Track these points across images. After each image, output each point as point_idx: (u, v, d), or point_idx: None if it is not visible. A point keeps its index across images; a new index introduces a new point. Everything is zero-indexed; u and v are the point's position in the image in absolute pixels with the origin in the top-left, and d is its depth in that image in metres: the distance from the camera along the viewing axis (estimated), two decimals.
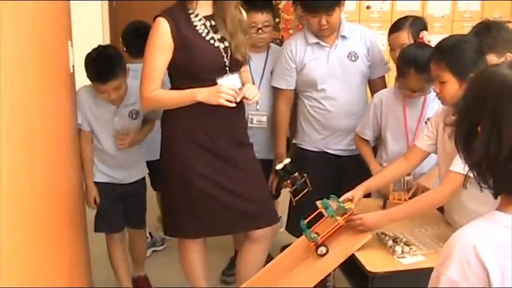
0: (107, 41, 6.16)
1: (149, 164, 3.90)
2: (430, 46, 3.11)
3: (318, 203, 2.93)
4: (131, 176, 3.70)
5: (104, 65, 3.36)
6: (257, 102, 3.39)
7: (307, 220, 2.90)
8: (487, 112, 1.44)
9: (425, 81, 3.07)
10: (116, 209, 3.68)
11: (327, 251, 2.77)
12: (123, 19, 5.08)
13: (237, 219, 3.28)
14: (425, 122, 3.15)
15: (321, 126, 3.56)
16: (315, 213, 2.92)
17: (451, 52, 2.70)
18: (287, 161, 3.46)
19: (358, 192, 2.93)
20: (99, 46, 3.48)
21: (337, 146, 3.60)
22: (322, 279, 3.41)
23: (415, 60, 3.07)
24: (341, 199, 2.90)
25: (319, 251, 2.78)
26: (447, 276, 1.41)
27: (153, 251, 4.49)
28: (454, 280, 1.40)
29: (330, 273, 3.77)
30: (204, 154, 3.18)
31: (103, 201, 3.57)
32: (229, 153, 3.21)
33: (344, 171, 3.58)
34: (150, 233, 4.50)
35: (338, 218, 2.79)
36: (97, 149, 3.57)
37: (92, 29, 5.82)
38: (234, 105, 2.99)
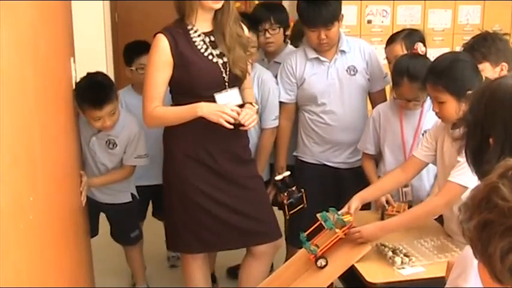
0: (110, 57, 6.20)
1: (153, 188, 3.86)
2: (424, 56, 3.16)
3: (318, 215, 2.96)
4: (115, 199, 3.71)
5: (98, 91, 3.31)
6: None
7: (306, 233, 2.93)
8: (499, 124, 1.45)
9: (419, 90, 3.10)
10: (93, 215, 3.66)
11: (327, 263, 2.80)
12: (125, 36, 5.13)
13: (238, 235, 3.31)
14: (423, 134, 3.18)
15: (320, 139, 3.59)
16: (315, 225, 2.94)
17: (446, 74, 2.70)
18: (287, 173, 3.51)
19: (354, 202, 2.96)
20: (88, 74, 3.41)
21: (337, 159, 3.62)
22: None
23: (407, 69, 3.11)
24: (340, 212, 2.92)
25: (318, 263, 2.80)
26: None
27: (172, 265, 4.43)
28: None
29: (331, 285, 3.81)
30: (204, 171, 3.21)
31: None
32: (229, 170, 3.24)
33: (344, 184, 3.60)
34: None
35: (337, 230, 2.82)
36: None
37: (94, 45, 5.86)
38: (231, 127, 3.01)
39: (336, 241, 2.81)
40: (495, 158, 1.43)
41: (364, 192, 3.04)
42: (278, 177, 3.50)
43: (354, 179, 3.56)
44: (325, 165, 3.64)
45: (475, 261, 1.38)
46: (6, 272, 1.22)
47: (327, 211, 2.96)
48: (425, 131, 3.17)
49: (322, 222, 2.91)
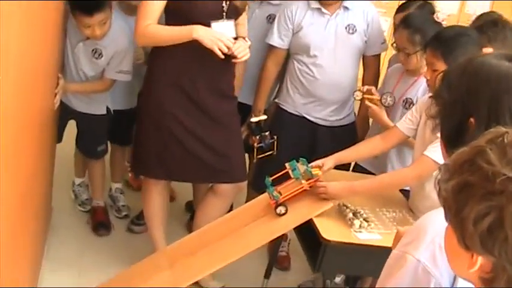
0: None
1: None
2: (437, 22, 3.16)
3: (287, 164, 2.92)
4: (90, 109, 3.62)
5: None
6: None
7: (272, 178, 2.90)
8: (482, 104, 1.40)
9: (410, 42, 3.10)
10: (62, 121, 3.62)
11: (286, 212, 2.77)
12: None
13: (203, 169, 3.27)
14: (406, 105, 3.18)
15: (305, 91, 3.53)
16: (282, 172, 2.91)
17: (448, 43, 2.67)
18: (263, 117, 3.47)
19: (329, 161, 2.93)
20: None
21: (317, 115, 3.56)
22: (274, 242, 3.46)
23: (407, 16, 3.18)
24: (310, 164, 2.90)
25: (278, 210, 2.78)
26: (415, 257, 1.36)
27: None
28: (422, 262, 1.36)
29: (286, 239, 3.80)
30: (183, 99, 3.15)
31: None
32: (209, 103, 3.18)
33: (319, 140, 3.55)
34: None
35: (303, 181, 2.79)
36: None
37: None
38: (222, 56, 2.95)
39: (299, 192, 2.79)
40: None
41: (341, 154, 3.02)
42: (254, 119, 3.46)
43: (330, 137, 3.52)
44: (304, 117, 3.58)
45: (429, 233, 1.37)
46: None
47: (297, 161, 2.93)
48: (408, 99, 3.18)
49: (290, 171, 2.88)
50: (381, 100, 3.23)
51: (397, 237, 1.55)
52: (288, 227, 2.84)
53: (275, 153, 3.41)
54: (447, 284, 1.36)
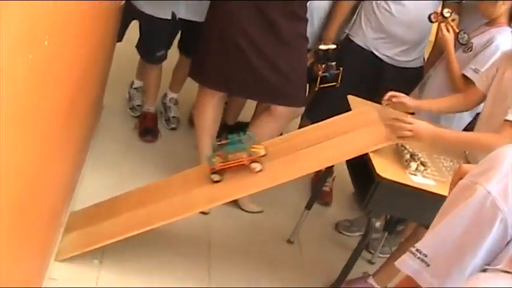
0: None
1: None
2: None
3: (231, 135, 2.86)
4: (155, 11, 3.49)
5: None
6: None
7: (220, 143, 2.85)
8: None
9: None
10: (125, 21, 3.56)
11: (219, 181, 2.78)
12: None
13: (263, 88, 3.19)
14: (466, 47, 3.10)
15: (378, 26, 3.39)
16: (224, 142, 2.84)
17: None
18: (332, 46, 3.35)
19: (411, 101, 2.90)
20: None
21: (386, 52, 3.44)
22: (319, 175, 3.40)
23: None
24: (386, 97, 2.86)
25: (212, 177, 2.80)
26: (487, 188, 1.25)
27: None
28: (493, 195, 1.24)
29: (331, 175, 3.74)
30: (253, 12, 3.06)
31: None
32: (280, 21, 3.08)
33: (383, 79, 3.43)
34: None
35: (244, 155, 2.74)
36: None
37: None
38: None
39: (238, 164, 2.75)
40: None
41: (422, 101, 3.00)
42: (322, 47, 3.34)
43: (394, 77, 3.41)
44: (372, 53, 3.46)
45: (505, 166, 1.27)
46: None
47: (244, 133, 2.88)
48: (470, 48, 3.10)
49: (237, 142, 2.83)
50: (457, 34, 3.10)
51: (460, 173, 1.44)
52: (344, 158, 2.75)
53: (338, 85, 3.31)
54: None
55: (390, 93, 2.88)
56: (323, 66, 3.31)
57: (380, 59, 3.45)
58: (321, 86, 3.33)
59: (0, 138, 1.15)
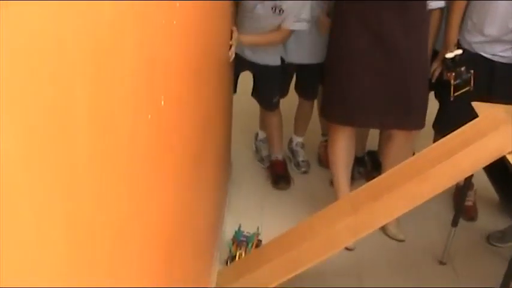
0: None
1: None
2: None
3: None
4: (263, 60, 3.57)
5: None
6: None
7: None
8: None
9: None
10: (236, 73, 3.66)
11: None
12: None
13: (386, 116, 3.20)
14: None
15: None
16: None
17: None
18: (458, 51, 3.20)
19: None
20: None
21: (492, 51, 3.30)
22: (460, 191, 3.28)
23: None
24: None
25: None
26: None
27: None
28: None
29: (472, 188, 3.61)
30: (370, 37, 3.09)
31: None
32: (396, 38, 3.09)
33: (497, 79, 3.30)
34: None
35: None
36: None
37: None
38: None
39: None
40: None
41: None
42: (449, 55, 3.20)
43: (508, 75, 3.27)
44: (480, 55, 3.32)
45: None
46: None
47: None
48: None
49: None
50: None
51: None
52: (480, 165, 2.66)
53: (472, 88, 3.18)
54: None
55: None
56: (453, 74, 3.21)
57: (490, 60, 3.32)
58: (455, 94, 3.22)
59: (137, 207, 1.17)
